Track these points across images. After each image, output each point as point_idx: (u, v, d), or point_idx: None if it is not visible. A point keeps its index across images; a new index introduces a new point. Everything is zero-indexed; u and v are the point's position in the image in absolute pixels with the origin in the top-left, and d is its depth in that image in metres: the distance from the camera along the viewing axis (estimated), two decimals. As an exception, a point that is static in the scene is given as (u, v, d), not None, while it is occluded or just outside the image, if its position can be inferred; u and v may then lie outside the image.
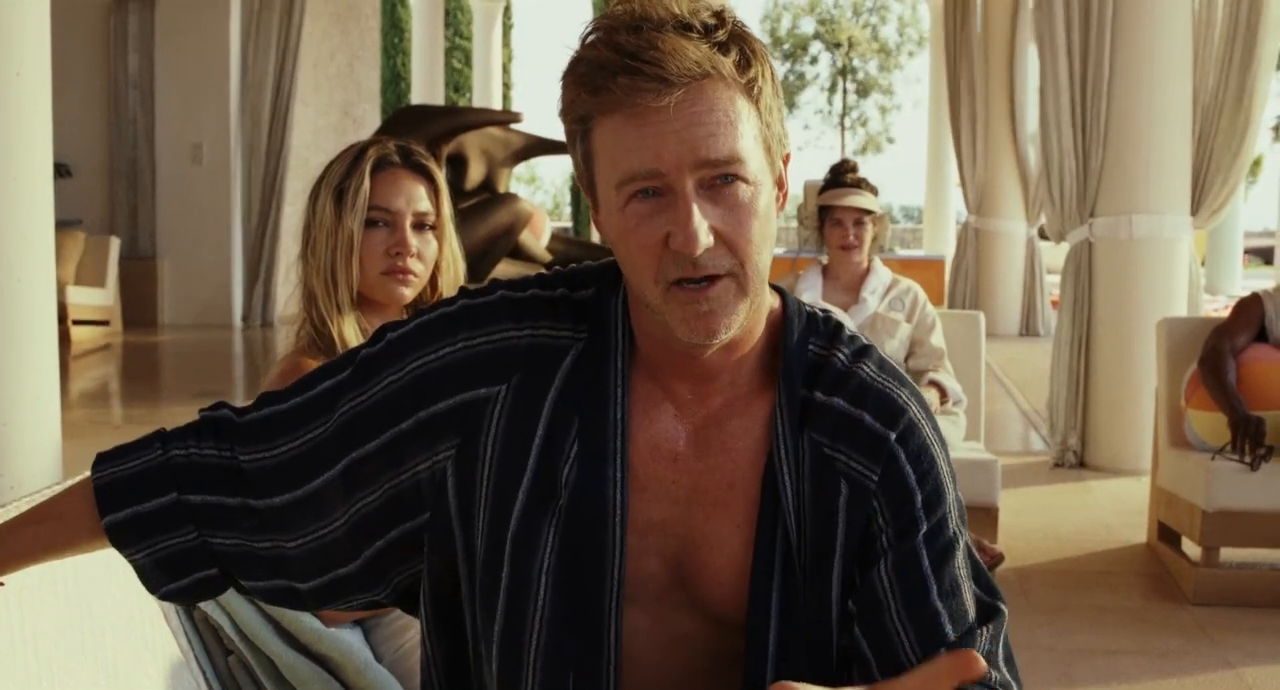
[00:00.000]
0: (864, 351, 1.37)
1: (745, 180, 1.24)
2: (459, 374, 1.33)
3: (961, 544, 1.35)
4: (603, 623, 1.31)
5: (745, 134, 1.24)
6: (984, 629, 1.33)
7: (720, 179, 1.23)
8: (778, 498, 1.32)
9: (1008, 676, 1.33)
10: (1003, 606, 1.36)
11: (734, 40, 1.25)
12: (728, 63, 1.23)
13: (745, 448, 1.34)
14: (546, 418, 1.32)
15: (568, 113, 1.27)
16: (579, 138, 1.28)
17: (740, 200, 1.24)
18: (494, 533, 1.32)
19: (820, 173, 4.88)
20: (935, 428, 1.37)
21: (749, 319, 1.29)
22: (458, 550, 1.34)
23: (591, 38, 1.24)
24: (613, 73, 1.20)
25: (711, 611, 1.35)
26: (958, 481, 1.38)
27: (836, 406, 1.33)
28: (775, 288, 1.39)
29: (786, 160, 1.32)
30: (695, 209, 1.22)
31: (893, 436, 1.32)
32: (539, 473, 1.31)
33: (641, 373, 1.35)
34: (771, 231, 1.28)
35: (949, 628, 1.31)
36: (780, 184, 1.31)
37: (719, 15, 1.25)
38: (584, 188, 1.33)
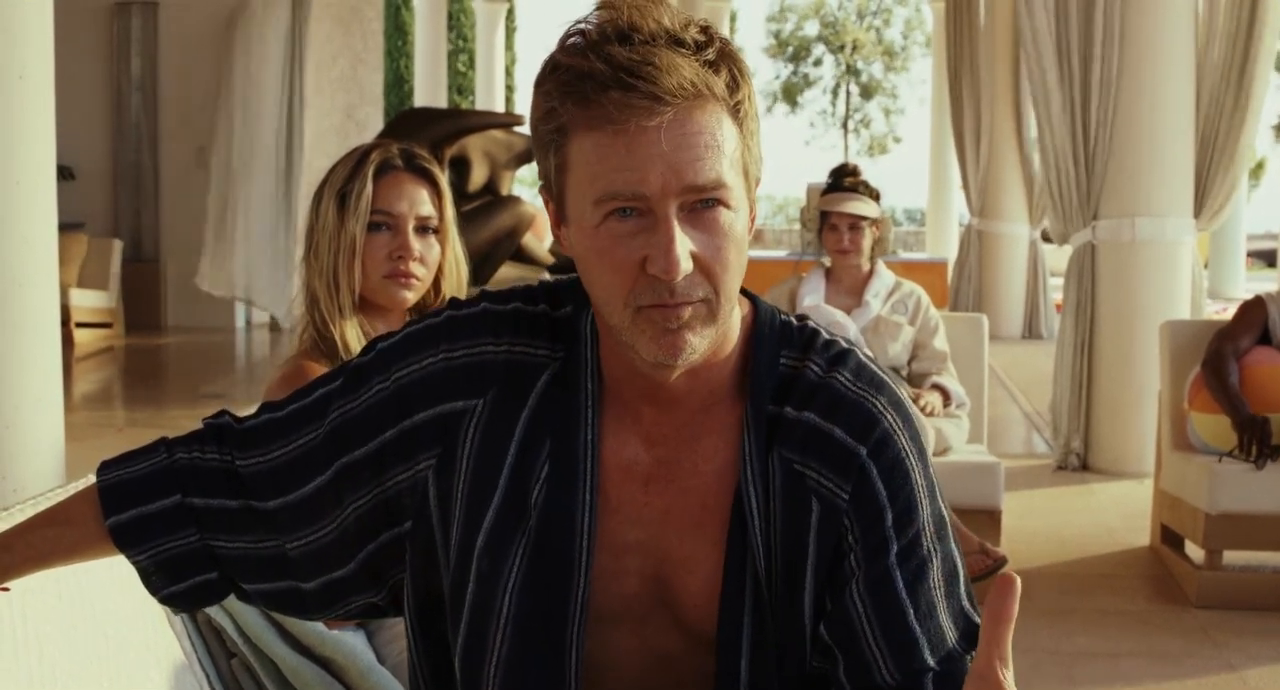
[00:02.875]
0: (840, 358, 1.33)
1: (727, 205, 1.22)
2: (438, 385, 1.32)
3: (936, 561, 1.30)
4: (565, 644, 1.29)
5: (729, 158, 1.21)
6: (971, 656, 1.29)
7: (702, 203, 1.20)
8: (745, 518, 1.30)
9: None
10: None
11: (723, 59, 1.21)
12: (719, 83, 1.21)
13: (716, 469, 1.32)
14: (519, 437, 1.31)
15: (546, 119, 1.23)
16: (552, 147, 1.24)
17: (721, 226, 1.21)
18: (463, 546, 1.31)
19: (823, 175, 4.89)
20: (913, 436, 1.32)
21: (714, 342, 1.27)
22: (439, 559, 1.34)
23: (577, 43, 1.20)
24: (604, 86, 1.16)
25: (694, 631, 1.33)
26: (940, 492, 1.33)
27: (807, 421, 1.29)
28: (747, 294, 1.35)
29: (756, 185, 1.29)
30: (677, 234, 1.19)
31: (864, 451, 1.28)
32: (509, 492, 1.30)
33: (612, 395, 1.33)
34: (744, 257, 1.25)
35: (927, 655, 1.27)
36: (750, 207, 1.27)
37: (706, 31, 1.22)
38: (548, 197, 1.29)
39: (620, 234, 1.20)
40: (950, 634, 1.29)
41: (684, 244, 1.19)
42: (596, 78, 1.17)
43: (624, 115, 1.17)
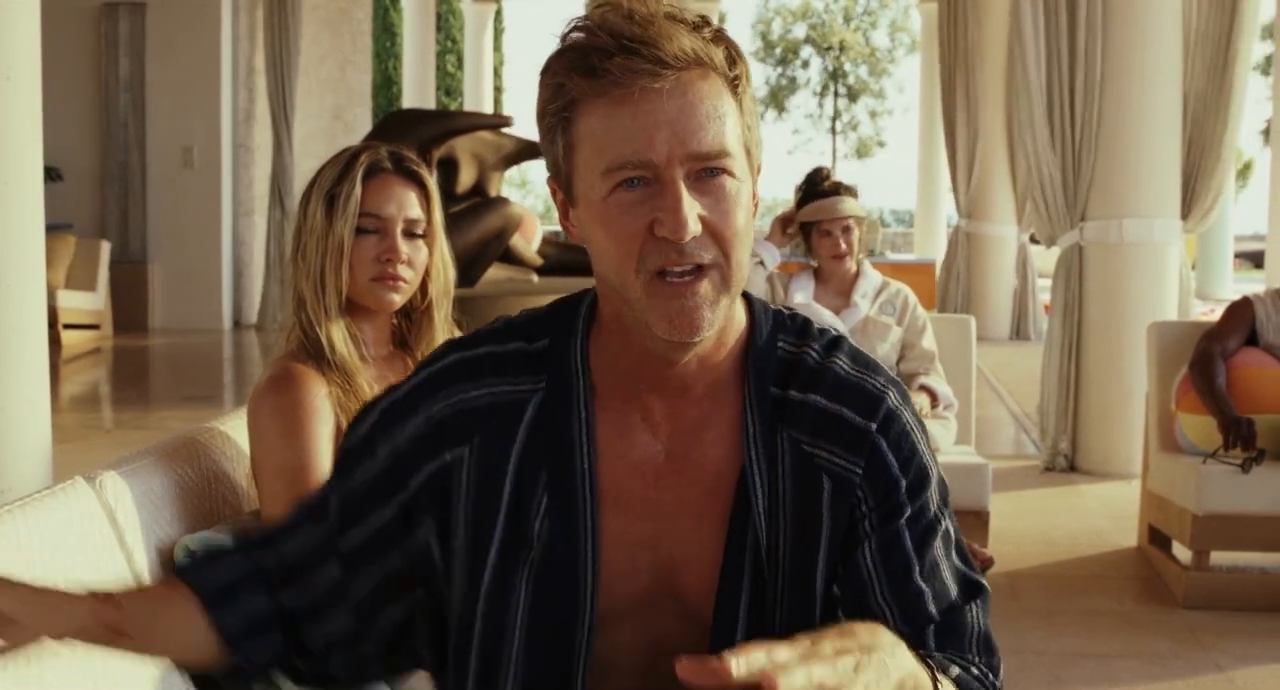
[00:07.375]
0: (835, 344, 1.38)
1: (732, 174, 1.26)
2: (426, 445, 1.34)
3: (943, 526, 1.36)
4: (573, 663, 1.32)
5: (731, 130, 1.26)
6: (972, 605, 1.36)
7: (707, 172, 1.24)
8: (749, 499, 1.32)
9: (984, 669, 1.34)
10: (985, 581, 1.39)
11: (720, 39, 1.27)
12: (719, 55, 1.25)
13: (722, 455, 1.34)
14: (513, 473, 1.32)
15: (553, 99, 1.27)
16: (559, 129, 1.28)
17: (727, 193, 1.25)
18: (469, 591, 1.33)
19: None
20: (913, 412, 1.38)
21: (725, 320, 1.30)
22: (449, 612, 1.36)
23: (580, 29, 1.25)
24: (608, 54, 1.21)
25: (696, 619, 1.35)
26: (939, 468, 1.39)
27: (814, 403, 1.33)
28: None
29: (758, 172, 1.32)
30: (685, 195, 1.22)
31: (874, 427, 1.33)
32: (510, 528, 1.32)
33: (617, 394, 1.34)
34: (751, 233, 1.29)
35: (931, 607, 1.33)
36: (753, 189, 1.31)
37: (703, 17, 1.27)
38: (556, 185, 1.32)
39: (628, 203, 1.24)
40: (952, 589, 1.35)
41: (692, 206, 1.23)
42: (603, 48, 1.22)
43: (629, 80, 1.21)
